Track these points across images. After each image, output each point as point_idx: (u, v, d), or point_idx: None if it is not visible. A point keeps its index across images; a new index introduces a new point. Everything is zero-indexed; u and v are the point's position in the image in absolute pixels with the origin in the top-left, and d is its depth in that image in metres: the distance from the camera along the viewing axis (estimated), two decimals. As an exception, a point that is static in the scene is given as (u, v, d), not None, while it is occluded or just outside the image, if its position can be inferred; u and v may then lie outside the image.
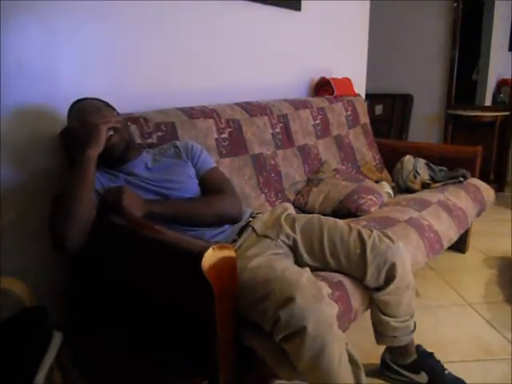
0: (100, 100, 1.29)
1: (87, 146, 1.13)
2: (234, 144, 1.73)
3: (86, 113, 1.21)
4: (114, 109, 1.31)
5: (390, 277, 1.19)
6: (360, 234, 1.22)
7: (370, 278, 1.19)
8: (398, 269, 1.18)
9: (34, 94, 1.36)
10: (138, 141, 1.43)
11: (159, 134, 1.49)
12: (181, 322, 1.03)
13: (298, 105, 2.13)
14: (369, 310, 1.29)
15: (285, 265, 1.08)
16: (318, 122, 2.19)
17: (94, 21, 1.48)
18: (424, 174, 2.18)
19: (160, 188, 1.25)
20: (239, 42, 2.04)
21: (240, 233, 1.27)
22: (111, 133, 1.20)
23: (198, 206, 1.25)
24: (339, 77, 2.53)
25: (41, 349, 0.93)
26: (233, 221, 1.29)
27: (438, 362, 1.41)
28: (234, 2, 1.98)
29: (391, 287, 1.20)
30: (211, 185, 1.32)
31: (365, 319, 1.32)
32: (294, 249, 1.26)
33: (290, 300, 0.92)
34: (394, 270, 1.18)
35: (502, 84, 3.73)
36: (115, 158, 1.25)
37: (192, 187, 1.30)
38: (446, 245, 1.73)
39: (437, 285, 2.04)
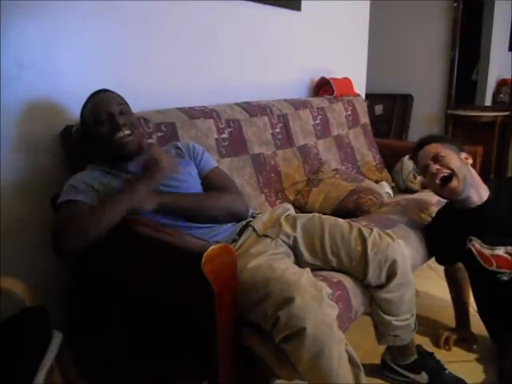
0: (117, 94, 1.27)
1: (147, 183, 1.13)
2: (234, 144, 1.73)
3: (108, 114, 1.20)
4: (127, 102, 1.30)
5: (392, 274, 1.19)
6: (361, 232, 1.23)
7: (372, 276, 1.19)
8: (399, 266, 1.19)
9: (34, 94, 1.36)
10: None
11: (159, 134, 1.49)
12: (181, 322, 1.03)
13: (298, 105, 2.13)
14: (369, 310, 1.29)
15: (285, 265, 1.07)
16: (318, 121, 2.19)
17: (95, 20, 1.48)
18: (424, 174, 2.18)
19: (164, 186, 1.24)
20: (239, 42, 2.04)
21: (240, 233, 1.26)
22: (129, 134, 1.20)
23: (208, 200, 1.25)
24: (339, 77, 2.52)
25: (41, 349, 0.93)
26: (240, 217, 1.29)
27: (438, 361, 1.41)
28: (234, 1, 1.98)
29: (393, 284, 1.20)
30: (215, 183, 1.32)
31: (365, 319, 1.32)
32: (294, 248, 1.25)
33: (289, 300, 0.92)
34: (396, 267, 1.19)
35: (502, 84, 3.72)
36: (125, 158, 1.24)
37: (195, 186, 1.30)
38: (446, 245, 1.72)
39: (437, 285, 2.03)
